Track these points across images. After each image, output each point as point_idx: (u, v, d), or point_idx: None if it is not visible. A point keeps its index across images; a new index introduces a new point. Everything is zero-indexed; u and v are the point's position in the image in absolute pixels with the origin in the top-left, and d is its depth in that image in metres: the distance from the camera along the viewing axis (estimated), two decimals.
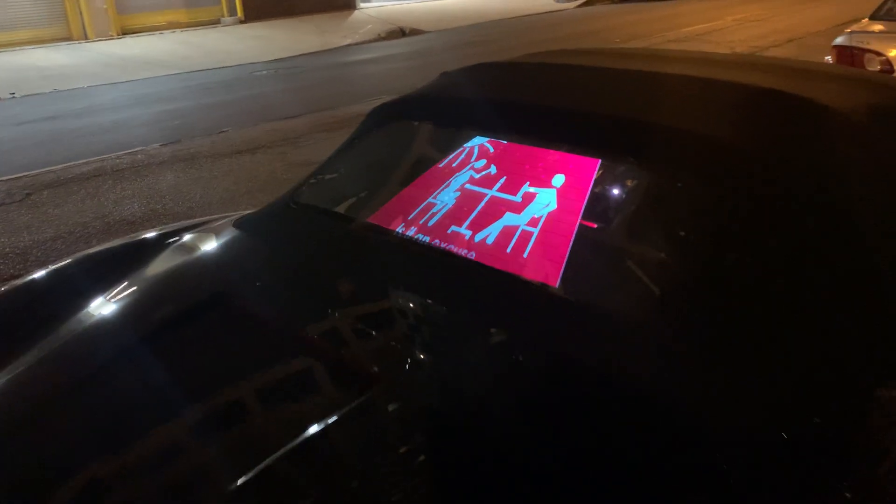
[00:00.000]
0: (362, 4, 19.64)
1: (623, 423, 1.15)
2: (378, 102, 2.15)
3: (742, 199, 1.38)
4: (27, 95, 10.20)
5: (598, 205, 1.49)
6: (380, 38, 15.10)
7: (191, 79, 11.17)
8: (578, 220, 1.47)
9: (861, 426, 1.16)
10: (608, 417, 1.16)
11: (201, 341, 1.52)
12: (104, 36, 14.71)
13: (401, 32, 15.68)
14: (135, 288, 1.75)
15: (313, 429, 1.20)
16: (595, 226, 1.48)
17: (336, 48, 14.02)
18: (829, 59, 5.41)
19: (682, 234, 1.43)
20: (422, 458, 1.15)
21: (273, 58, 12.90)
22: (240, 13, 16.95)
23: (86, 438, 1.29)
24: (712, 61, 2.05)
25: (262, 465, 1.11)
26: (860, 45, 5.19)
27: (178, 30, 15.70)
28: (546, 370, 1.27)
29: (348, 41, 14.71)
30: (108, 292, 1.72)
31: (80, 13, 14.58)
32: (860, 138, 1.49)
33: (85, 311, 1.67)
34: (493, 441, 1.14)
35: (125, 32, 15.14)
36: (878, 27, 5.46)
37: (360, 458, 1.16)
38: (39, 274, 1.96)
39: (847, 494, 1.06)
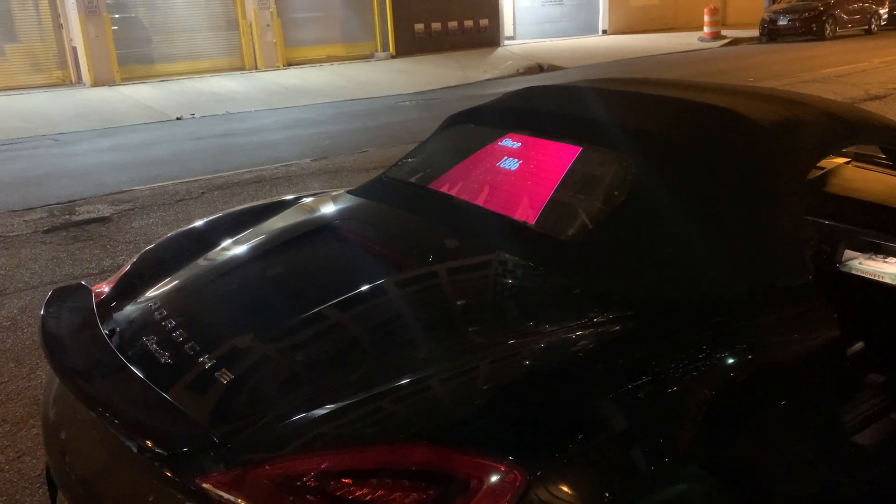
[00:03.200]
0: (506, 42, 20.62)
1: (555, 293, 1.89)
2: None
3: (653, 170, 2.04)
4: (204, 116, 11.79)
5: (573, 173, 2.20)
6: (518, 74, 15.92)
7: (343, 106, 12.44)
8: (557, 182, 2.18)
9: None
10: (549, 292, 1.91)
11: (322, 250, 2.39)
12: (272, 67, 16.46)
13: (539, 68, 16.45)
14: (278, 224, 2.58)
15: (365, 289, 1.96)
16: (564, 187, 2.18)
17: (476, 82, 14.97)
18: None
19: (616, 193, 2.07)
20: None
21: (417, 90, 14.03)
22: (391, 49, 18.36)
23: (234, 306, 2.05)
24: (701, 87, 2.64)
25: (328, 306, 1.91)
26: None
27: (335, 63, 17.28)
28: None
29: (488, 76, 15.63)
30: (260, 226, 2.55)
31: (253, 46, 16.41)
32: (765, 138, 2.08)
33: (245, 237, 2.46)
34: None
35: (290, 64, 16.85)
36: None
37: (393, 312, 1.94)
38: (199, 222, 2.79)
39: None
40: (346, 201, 2.65)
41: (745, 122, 2.10)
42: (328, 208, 2.70)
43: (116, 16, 14.89)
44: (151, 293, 2.13)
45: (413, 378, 1.55)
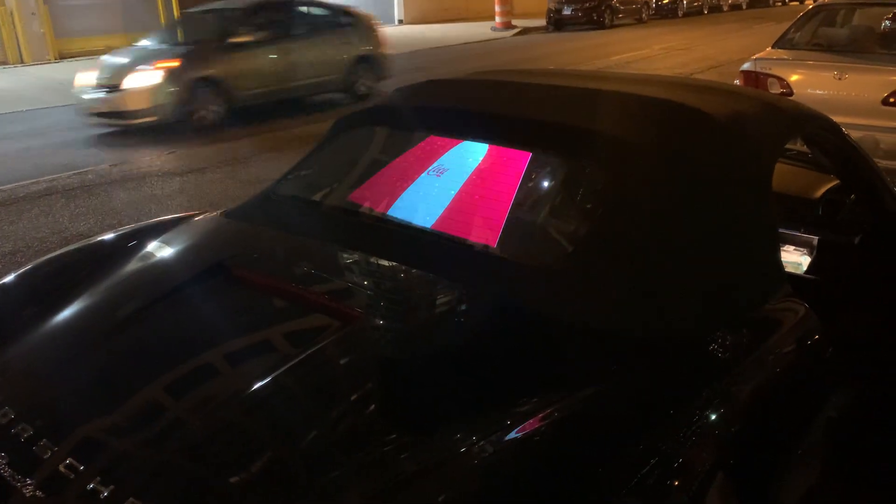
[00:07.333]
0: None
1: (532, 330, 1.55)
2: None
3: (629, 179, 1.78)
4: None
5: (527, 186, 1.88)
6: None
7: None
8: (513, 194, 1.84)
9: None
10: (524, 328, 1.57)
11: (209, 307, 1.78)
12: (41, 60, 14.63)
13: None
14: (134, 271, 1.99)
15: (281, 368, 1.46)
16: (521, 202, 1.86)
17: None
18: (737, 82, 5.97)
19: (588, 206, 1.81)
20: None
21: None
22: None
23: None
24: (616, 78, 2.47)
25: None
26: (764, 71, 5.75)
27: None
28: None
29: None
30: (108, 278, 1.94)
31: (17, 37, 14.47)
32: (724, 133, 1.90)
33: (102, 284, 1.90)
34: None
35: (63, 57, 15.07)
36: (779, 55, 6.04)
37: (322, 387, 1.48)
38: (9, 278, 2.08)
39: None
40: (228, 229, 2.11)
41: (708, 119, 1.89)
42: (203, 241, 2.12)
43: None
44: None
45: None
